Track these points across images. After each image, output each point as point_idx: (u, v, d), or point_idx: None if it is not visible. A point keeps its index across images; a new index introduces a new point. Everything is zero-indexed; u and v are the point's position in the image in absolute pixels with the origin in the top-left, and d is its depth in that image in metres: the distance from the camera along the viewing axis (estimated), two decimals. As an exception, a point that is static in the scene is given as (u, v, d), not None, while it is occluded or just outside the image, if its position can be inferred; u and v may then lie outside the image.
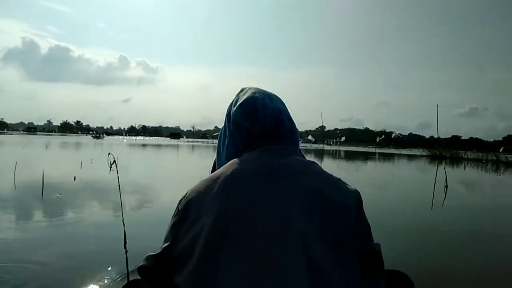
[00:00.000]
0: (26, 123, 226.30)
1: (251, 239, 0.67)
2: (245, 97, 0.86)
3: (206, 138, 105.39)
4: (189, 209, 0.74)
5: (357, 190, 0.78)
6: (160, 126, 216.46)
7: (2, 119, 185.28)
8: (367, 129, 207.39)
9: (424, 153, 35.87)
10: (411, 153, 46.90)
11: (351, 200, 0.75)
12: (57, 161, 12.39)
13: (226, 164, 0.81)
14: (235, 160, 0.81)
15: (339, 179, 0.79)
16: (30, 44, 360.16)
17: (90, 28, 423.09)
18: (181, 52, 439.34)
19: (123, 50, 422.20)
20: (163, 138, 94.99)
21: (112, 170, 7.58)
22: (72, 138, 53.22)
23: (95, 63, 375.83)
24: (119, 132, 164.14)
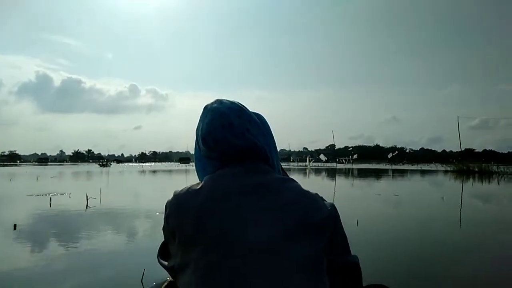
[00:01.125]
0: (40, 154, 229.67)
1: (223, 257, 0.68)
2: (210, 115, 0.85)
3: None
4: (173, 224, 0.77)
5: (333, 205, 0.79)
6: (170, 152, 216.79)
7: (15, 151, 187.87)
8: (377, 146, 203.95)
9: (448, 168, 33.50)
10: (431, 168, 44.66)
11: (325, 215, 0.75)
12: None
13: (205, 178, 0.82)
14: (210, 176, 0.82)
15: (315, 194, 0.79)
16: (43, 78, 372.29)
17: (99, 59, 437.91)
18: (190, 78, 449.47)
19: (133, 79, 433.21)
20: (172, 163, 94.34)
21: (89, 207, 7.15)
22: (78, 167, 52.61)
23: (106, 93, 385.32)
24: (129, 159, 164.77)
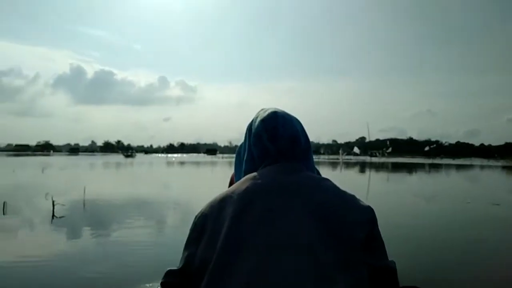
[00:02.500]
0: (72, 144, 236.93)
1: (260, 252, 0.69)
2: (266, 114, 0.89)
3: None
4: (205, 223, 0.77)
5: (369, 207, 0.78)
6: (198, 143, 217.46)
7: (49, 141, 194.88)
8: (410, 139, 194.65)
9: (507, 164, 29.51)
10: (481, 163, 40.48)
11: (362, 217, 0.75)
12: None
13: (241, 180, 0.84)
14: (249, 175, 0.83)
15: (352, 196, 0.79)
16: (77, 70, 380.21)
17: (128, 51, 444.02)
18: (218, 69, 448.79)
19: (162, 71, 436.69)
20: (199, 154, 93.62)
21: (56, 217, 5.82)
22: (103, 158, 52.34)
23: (136, 85, 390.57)
24: (157, 150, 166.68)
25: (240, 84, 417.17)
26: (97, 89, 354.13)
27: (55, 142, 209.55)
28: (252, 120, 0.92)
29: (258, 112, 0.93)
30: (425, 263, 3.56)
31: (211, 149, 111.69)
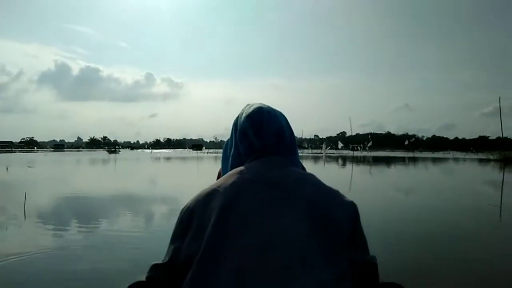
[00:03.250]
0: (58, 140, 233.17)
1: (246, 248, 0.69)
2: (251, 109, 0.90)
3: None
4: (191, 217, 0.76)
5: (353, 202, 0.78)
6: (184, 139, 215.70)
7: (33, 137, 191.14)
8: (389, 133, 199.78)
9: (491, 157, 30.44)
10: (463, 156, 41.54)
11: (346, 212, 0.75)
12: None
13: (226, 174, 0.84)
14: (235, 170, 0.84)
15: (336, 191, 0.79)
16: (62, 67, 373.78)
17: (114, 48, 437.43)
18: (204, 66, 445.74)
19: (148, 67, 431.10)
20: (185, 150, 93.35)
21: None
22: (88, 154, 51.84)
23: (123, 81, 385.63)
24: (144, 146, 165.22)
25: (226, 80, 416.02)
26: (83, 85, 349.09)
27: (40, 138, 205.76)
28: (238, 116, 0.93)
29: (244, 108, 0.95)
30: (405, 259, 3.55)
31: (197, 145, 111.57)
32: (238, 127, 0.90)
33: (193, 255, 0.71)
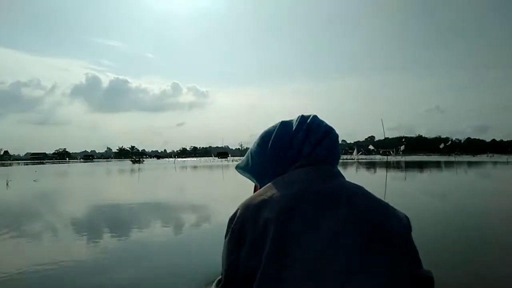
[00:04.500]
0: (89, 151, 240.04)
1: (305, 261, 0.66)
2: (305, 116, 0.92)
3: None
4: (243, 229, 0.73)
5: (406, 215, 0.78)
6: (209, 147, 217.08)
7: (65, 148, 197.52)
8: (420, 137, 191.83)
9: None
10: (504, 160, 38.08)
11: (400, 225, 0.73)
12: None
13: (276, 182, 0.81)
14: (283, 178, 0.81)
15: (387, 204, 0.77)
16: (92, 79, 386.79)
17: (141, 59, 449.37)
18: (229, 74, 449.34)
19: (175, 77, 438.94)
20: (210, 158, 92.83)
21: None
22: (113, 164, 51.84)
23: (150, 92, 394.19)
24: (171, 155, 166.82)
25: (250, 88, 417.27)
26: (112, 97, 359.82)
27: (72, 149, 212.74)
28: (285, 125, 0.91)
29: (299, 119, 0.91)
30: (457, 272, 3.18)
31: (222, 152, 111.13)
32: (280, 132, 0.89)
33: (254, 268, 0.68)
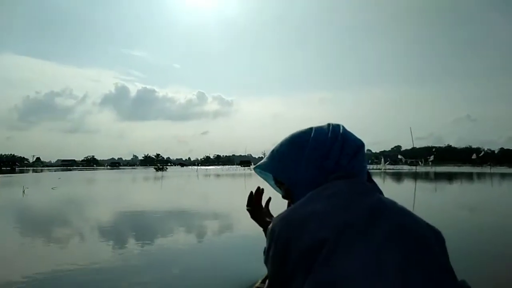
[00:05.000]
0: (116, 158, 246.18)
1: (360, 278, 0.65)
2: (345, 132, 0.89)
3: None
4: (288, 247, 0.70)
5: (439, 230, 0.78)
6: (233, 155, 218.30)
7: (93, 156, 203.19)
8: (449, 147, 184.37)
9: None
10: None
11: (438, 238, 0.75)
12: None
13: (317, 193, 0.79)
14: (325, 190, 0.78)
15: (422, 219, 0.78)
16: (121, 89, 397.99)
17: (167, 69, 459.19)
18: (254, 83, 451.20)
19: (200, 87, 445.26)
20: (233, 166, 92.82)
21: None
22: (135, 172, 52.40)
23: (177, 101, 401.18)
24: (194, 163, 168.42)
25: (274, 97, 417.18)
26: (140, 106, 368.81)
27: (100, 157, 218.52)
28: (319, 132, 0.87)
29: (330, 128, 0.88)
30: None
31: (245, 161, 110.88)
32: (316, 141, 0.86)
33: (301, 285, 0.67)
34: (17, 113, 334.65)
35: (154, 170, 55.98)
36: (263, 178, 1.05)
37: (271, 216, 1.23)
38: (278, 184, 0.97)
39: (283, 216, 0.75)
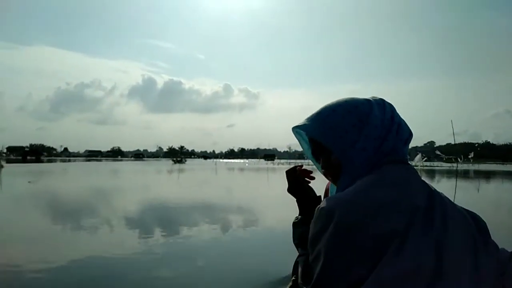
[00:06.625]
0: (142, 150, 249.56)
1: (420, 268, 0.64)
2: (399, 117, 0.85)
3: (303, 158, 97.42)
4: (352, 232, 0.66)
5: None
6: (258, 148, 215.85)
7: (119, 147, 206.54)
8: (487, 143, 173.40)
9: None
10: None
11: (485, 225, 0.76)
12: None
13: (374, 180, 0.74)
14: (386, 176, 0.75)
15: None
16: (148, 81, 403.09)
17: (193, 60, 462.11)
18: (281, 76, 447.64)
19: (226, 79, 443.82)
20: (256, 159, 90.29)
21: None
22: (155, 163, 50.97)
23: (203, 93, 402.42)
24: (218, 156, 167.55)
25: (302, 89, 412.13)
26: (166, 98, 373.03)
27: (126, 148, 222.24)
28: (372, 111, 0.81)
29: (358, 101, 0.83)
30: None
31: (269, 155, 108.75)
32: (377, 119, 0.80)
33: (361, 278, 0.63)
34: (49, 104, 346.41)
35: (172, 162, 54.00)
36: (297, 139, 0.94)
37: (313, 192, 1.02)
38: (317, 153, 0.88)
39: (348, 199, 0.70)
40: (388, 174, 0.74)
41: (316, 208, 0.72)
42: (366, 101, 0.83)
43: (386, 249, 0.63)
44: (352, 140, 0.80)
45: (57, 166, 36.69)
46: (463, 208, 0.75)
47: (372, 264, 0.63)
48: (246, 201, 9.64)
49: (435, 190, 0.75)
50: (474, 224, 0.72)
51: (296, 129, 0.90)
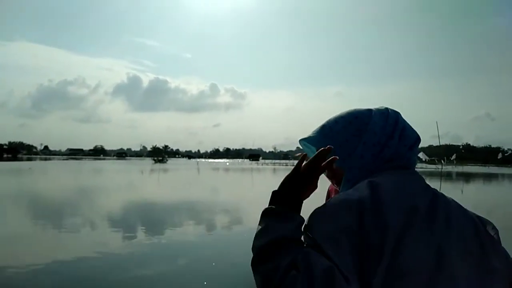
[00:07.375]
0: (125, 149, 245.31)
1: (418, 273, 0.64)
2: (404, 122, 0.86)
3: (288, 159, 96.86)
4: (367, 234, 0.65)
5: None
6: (243, 148, 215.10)
7: (102, 146, 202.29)
8: (468, 145, 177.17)
9: None
10: None
11: (497, 232, 0.76)
12: None
13: (382, 182, 0.73)
14: (389, 179, 0.75)
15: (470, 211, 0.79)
16: (133, 79, 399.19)
17: (179, 59, 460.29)
18: (267, 76, 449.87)
19: (213, 78, 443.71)
20: (240, 160, 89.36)
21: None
22: (135, 163, 49.59)
23: (189, 92, 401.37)
24: (203, 155, 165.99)
25: (288, 90, 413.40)
26: (151, 96, 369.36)
27: (109, 147, 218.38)
28: (372, 118, 0.83)
29: (388, 114, 0.84)
30: None
31: (253, 155, 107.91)
32: (377, 126, 0.82)
33: (361, 273, 0.62)
34: (31, 101, 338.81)
35: (153, 161, 52.50)
36: (306, 151, 0.91)
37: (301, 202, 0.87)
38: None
39: (352, 205, 0.67)
40: (385, 179, 0.74)
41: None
42: (368, 110, 0.85)
43: (381, 248, 0.63)
44: (351, 149, 0.83)
45: (26, 165, 35.58)
46: (475, 214, 0.75)
47: (372, 264, 0.62)
48: (211, 205, 8.98)
49: (441, 194, 0.75)
50: (484, 231, 0.72)
51: (304, 142, 0.92)
